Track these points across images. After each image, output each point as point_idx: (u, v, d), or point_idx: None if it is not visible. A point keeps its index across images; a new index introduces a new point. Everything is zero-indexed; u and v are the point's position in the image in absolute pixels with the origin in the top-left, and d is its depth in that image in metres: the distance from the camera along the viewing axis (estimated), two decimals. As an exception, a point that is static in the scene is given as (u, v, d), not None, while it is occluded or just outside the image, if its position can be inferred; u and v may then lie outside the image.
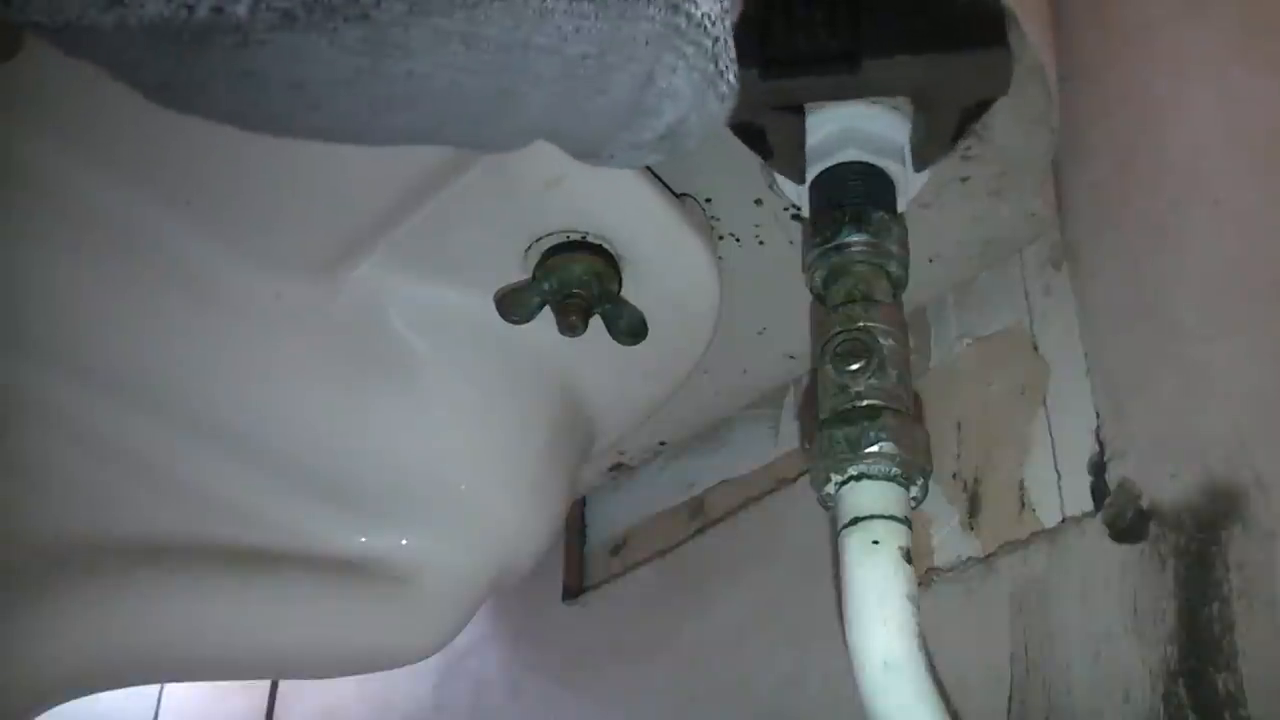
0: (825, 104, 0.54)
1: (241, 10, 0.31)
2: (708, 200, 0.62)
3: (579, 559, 0.87)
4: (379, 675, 0.82)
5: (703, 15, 0.35)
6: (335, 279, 0.59)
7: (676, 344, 0.62)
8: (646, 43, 0.34)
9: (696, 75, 0.36)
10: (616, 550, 0.85)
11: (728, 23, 0.36)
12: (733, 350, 0.70)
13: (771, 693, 0.68)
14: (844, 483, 0.49)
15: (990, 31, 0.49)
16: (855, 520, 0.48)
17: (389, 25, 0.32)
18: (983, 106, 0.53)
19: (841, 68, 0.49)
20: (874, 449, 0.48)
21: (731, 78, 0.37)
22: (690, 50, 0.35)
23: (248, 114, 0.36)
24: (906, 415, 0.50)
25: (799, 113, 0.54)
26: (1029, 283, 0.64)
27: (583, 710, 0.82)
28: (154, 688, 1.16)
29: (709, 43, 0.35)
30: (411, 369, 0.60)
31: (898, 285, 0.54)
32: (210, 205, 0.55)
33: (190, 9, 0.31)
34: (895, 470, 0.48)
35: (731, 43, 0.36)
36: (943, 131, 0.53)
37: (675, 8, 0.34)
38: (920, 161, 0.55)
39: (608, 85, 0.36)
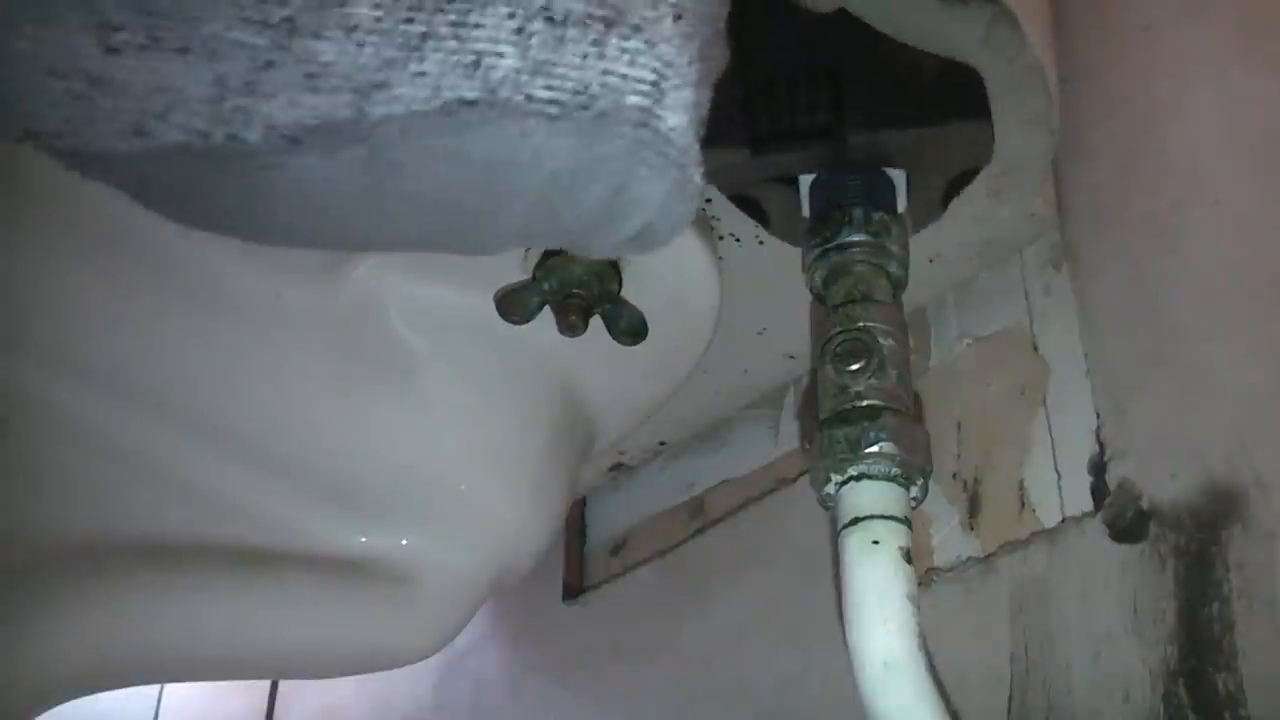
0: None
1: (253, 136, 0.34)
2: (708, 200, 0.62)
3: (579, 559, 0.87)
4: (379, 675, 0.82)
5: (669, 129, 0.38)
6: (335, 279, 0.59)
7: (677, 344, 0.62)
8: (618, 158, 0.38)
9: (664, 184, 0.39)
10: (616, 550, 0.85)
11: (695, 129, 0.38)
12: (733, 350, 0.70)
13: (771, 693, 0.68)
14: (844, 483, 0.49)
15: (970, 103, 0.51)
16: (855, 520, 0.48)
17: (385, 147, 0.36)
18: (968, 175, 0.55)
19: (828, 141, 0.51)
20: (874, 449, 0.48)
21: (698, 179, 0.39)
22: (658, 161, 0.38)
23: (259, 229, 0.40)
24: (907, 415, 0.50)
25: (792, 183, 0.55)
26: (1029, 283, 0.64)
27: (583, 710, 0.82)
28: (154, 688, 1.16)
29: (675, 152, 0.38)
30: (412, 369, 0.60)
31: (898, 285, 0.54)
32: (210, 205, 0.55)
33: (206, 137, 0.34)
34: (895, 470, 0.48)
35: (697, 147, 0.39)
36: (931, 197, 0.56)
37: (644, 124, 0.37)
38: (914, 225, 0.57)
39: (583, 197, 0.39)
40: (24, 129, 0.35)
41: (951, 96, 0.51)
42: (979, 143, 0.53)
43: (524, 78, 0.36)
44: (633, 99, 0.37)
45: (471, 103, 0.35)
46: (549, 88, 0.36)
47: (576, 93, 0.36)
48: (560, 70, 0.36)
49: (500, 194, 0.38)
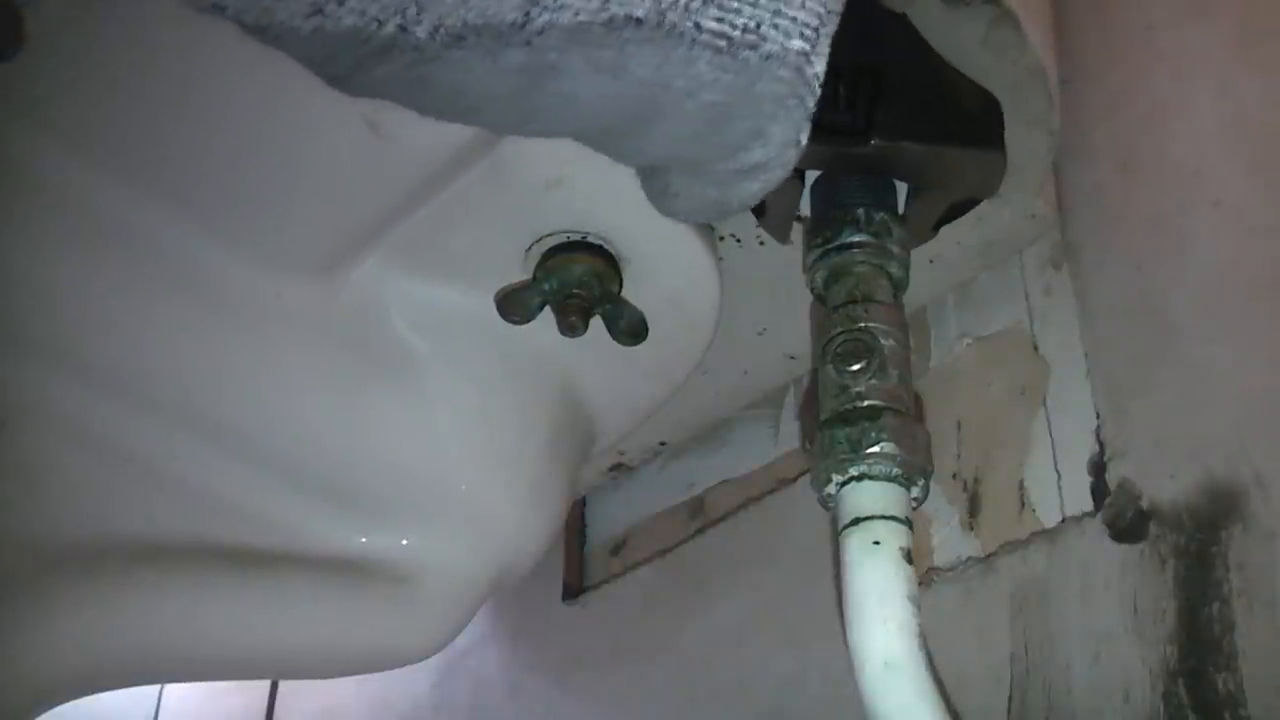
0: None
1: (422, 32, 0.36)
2: (708, 200, 0.62)
3: (579, 559, 0.87)
4: (378, 675, 0.82)
5: (813, 75, 0.38)
6: (336, 279, 0.59)
7: (677, 344, 0.62)
8: (772, 100, 0.38)
9: (794, 128, 0.40)
10: (616, 550, 0.85)
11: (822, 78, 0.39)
12: (733, 350, 0.70)
13: (771, 693, 0.68)
14: (845, 483, 0.49)
15: (993, 134, 0.51)
16: (856, 520, 0.48)
17: (547, 51, 0.36)
18: (969, 204, 0.55)
19: (851, 142, 0.51)
20: (875, 449, 0.48)
21: (807, 130, 0.40)
22: (799, 106, 0.39)
23: (409, 105, 0.41)
24: (907, 415, 0.50)
25: (799, 178, 0.55)
26: (1029, 283, 0.64)
27: (583, 710, 0.82)
28: (154, 688, 1.16)
29: (811, 100, 0.39)
30: (412, 369, 0.60)
31: (898, 286, 0.54)
32: (210, 205, 0.55)
33: (379, 24, 0.35)
34: (896, 471, 0.48)
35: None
36: (928, 219, 0.56)
37: (799, 70, 0.38)
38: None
39: (728, 130, 0.39)
40: (213, 2, 0.36)
41: (977, 124, 0.52)
42: (990, 175, 0.53)
43: (695, 5, 0.36)
44: (797, 43, 0.37)
45: (639, 21, 0.36)
46: (720, 20, 0.36)
47: (747, 30, 0.36)
48: (734, 5, 0.36)
49: (649, 114, 0.38)
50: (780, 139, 0.40)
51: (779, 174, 0.42)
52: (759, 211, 0.58)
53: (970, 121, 0.52)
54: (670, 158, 0.43)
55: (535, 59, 0.36)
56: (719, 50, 0.36)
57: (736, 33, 0.36)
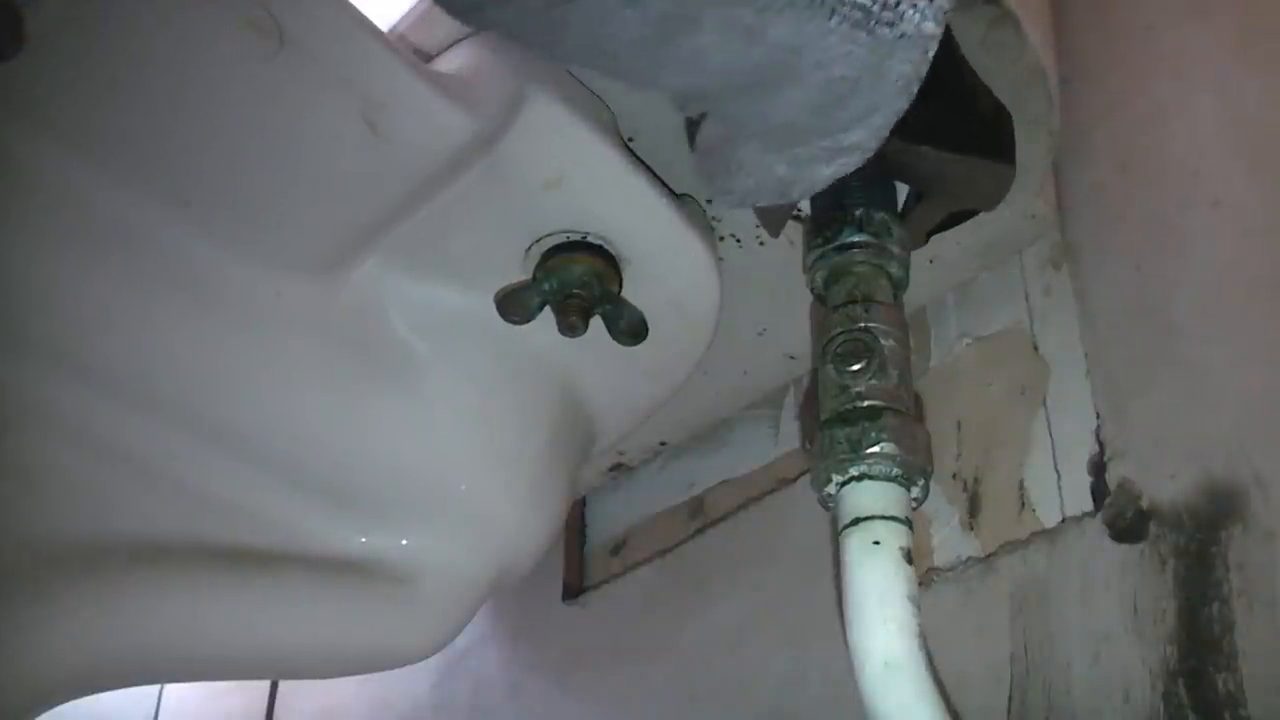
0: None
1: None
2: (708, 200, 0.62)
3: (579, 559, 0.87)
4: (378, 675, 0.82)
5: (929, 58, 0.38)
6: (336, 279, 0.59)
7: (677, 344, 0.62)
8: (897, 79, 0.38)
9: (897, 109, 0.40)
10: (616, 550, 0.85)
11: None
12: (733, 350, 0.70)
13: (771, 693, 0.68)
14: (845, 483, 0.49)
15: (1004, 144, 0.51)
16: (856, 520, 0.48)
17: (688, 5, 0.36)
18: (966, 213, 0.55)
19: None
20: (875, 449, 0.48)
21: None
22: (904, 94, 0.39)
23: (540, 46, 0.41)
24: (907, 415, 0.50)
25: None
26: (1029, 283, 0.64)
27: (583, 710, 0.82)
28: (154, 688, 1.16)
29: (919, 84, 0.39)
30: (412, 369, 0.60)
31: (898, 286, 0.54)
32: (210, 205, 0.55)
33: None
34: (896, 471, 0.48)
35: None
36: (924, 225, 0.56)
37: (926, 51, 0.38)
38: None
39: (850, 104, 0.39)
40: None
41: (990, 134, 0.51)
42: (998, 187, 0.53)
43: None
44: (930, 26, 0.37)
45: None
46: None
47: (886, 7, 0.36)
48: None
49: (777, 79, 0.38)
50: (880, 123, 0.40)
51: (857, 160, 0.42)
52: None
53: (985, 131, 0.52)
54: (782, 125, 0.42)
55: (676, 9, 0.36)
56: (856, 24, 0.36)
57: (875, 8, 0.36)
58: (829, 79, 0.38)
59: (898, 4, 0.36)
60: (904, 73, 0.38)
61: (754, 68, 0.38)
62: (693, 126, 0.49)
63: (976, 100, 0.51)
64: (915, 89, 0.39)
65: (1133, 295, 0.58)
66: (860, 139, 0.41)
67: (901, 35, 0.37)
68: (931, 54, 0.38)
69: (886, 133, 0.41)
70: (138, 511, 0.59)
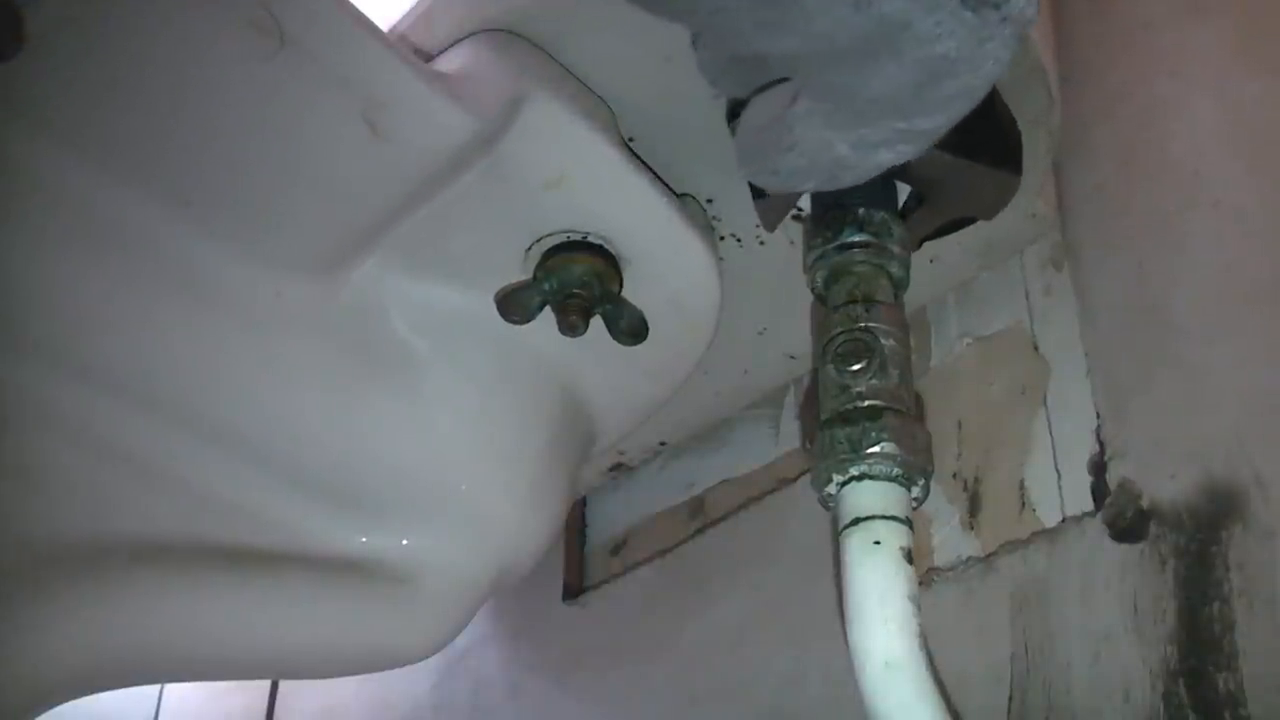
0: None
1: None
2: (709, 200, 0.62)
3: (579, 559, 0.87)
4: (378, 675, 0.82)
5: (1022, 40, 0.38)
6: (336, 278, 0.59)
7: (677, 344, 0.62)
8: (993, 60, 0.38)
9: (971, 101, 0.40)
10: (616, 550, 0.85)
11: None
12: (733, 350, 0.70)
13: (771, 693, 0.68)
14: (845, 483, 0.49)
15: (1012, 155, 0.51)
16: (856, 520, 0.48)
17: None
18: (963, 223, 0.55)
19: None
20: (875, 449, 0.48)
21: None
22: (986, 84, 0.39)
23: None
24: (908, 415, 0.50)
25: None
26: (1029, 283, 0.64)
27: (583, 710, 0.82)
28: (154, 688, 1.16)
29: (1001, 74, 0.39)
30: (412, 369, 0.60)
31: (899, 285, 0.54)
32: (210, 204, 0.55)
33: None
34: (897, 470, 0.48)
35: None
36: (922, 230, 0.56)
37: (1019, 41, 0.38)
38: None
39: (948, 84, 0.39)
40: None
41: (1000, 143, 0.51)
42: (1001, 197, 0.53)
43: None
44: (1031, 11, 0.37)
45: None
46: None
47: None
48: None
49: (878, 51, 0.38)
50: (956, 110, 0.40)
51: (915, 150, 0.42)
52: (760, 192, 0.57)
53: (996, 141, 0.51)
54: (869, 100, 0.41)
55: None
56: (963, 2, 0.36)
57: None
58: (930, 56, 0.38)
59: None
60: (999, 57, 0.38)
61: (857, 37, 0.38)
62: (737, 105, 0.48)
63: (991, 108, 0.51)
64: (999, 77, 0.39)
65: (1133, 295, 0.58)
66: (934, 125, 0.41)
67: (1004, 19, 0.37)
68: (1025, 34, 0.38)
69: (956, 122, 0.41)
70: (138, 511, 0.59)
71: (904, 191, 0.57)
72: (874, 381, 0.49)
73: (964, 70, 0.38)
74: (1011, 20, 0.37)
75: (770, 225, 0.59)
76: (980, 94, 0.39)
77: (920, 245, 0.58)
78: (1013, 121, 0.51)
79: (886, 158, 0.43)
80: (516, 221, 0.57)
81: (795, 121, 0.43)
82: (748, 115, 0.46)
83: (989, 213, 0.55)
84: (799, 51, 0.40)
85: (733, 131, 0.48)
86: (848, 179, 0.44)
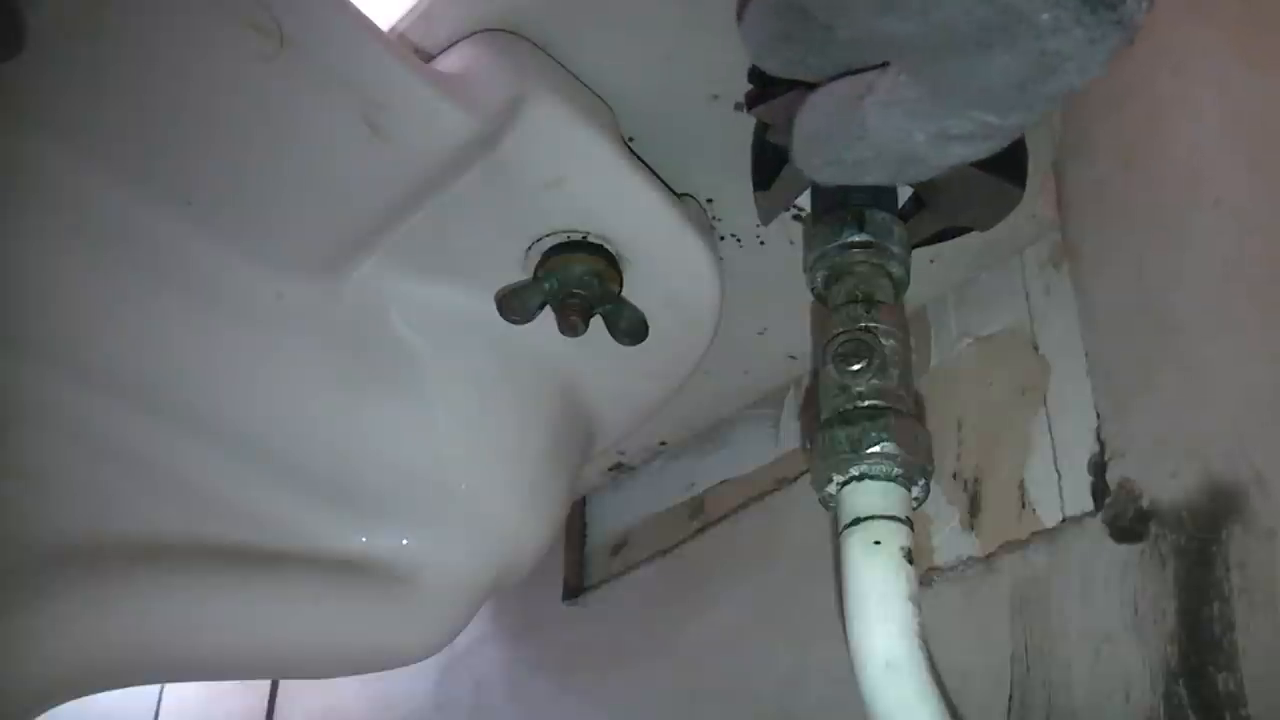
0: None
1: None
2: (709, 200, 0.62)
3: (579, 559, 0.87)
4: (379, 675, 0.82)
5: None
6: (336, 279, 0.59)
7: (677, 344, 0.62)
8: (1101, 63, 0.38)
9: (1056, 102, 0.39)
10: (617, 550, 0.85)
11: None
12: (733, 350, 0.70)
13: (772, 693, 0.68)
14: (845, 483, 0.49)
15: (1018, 169, 0.52)
16: (857, 520, 0.48)
17: None
18: (958, 232, 0.55)
19: None
20: (875, 449, 0.48)
21: None
22: (1087, 78, 0.38)
23: None
24: (908, 415, 0.50)
25: None
26: (1029, 283, 0.64)
27: (583, 710, 0.82)
28: (154, 688, 1.16)
29: (1098, 76, 0.39)
30: (412, 369, 0.60)
31: (899, 285, 0.54)
32: (211, 205, 0.55)
33: None
34: (897, 470, 0.48)
35: None
36: (918, 235, 0.56)
37: (1120, 48, 0.38)
38: None
39: (1053, 81, 0.39)
40: None
41: (1008, 154, 0.51)
42: (1003, 208, 0.53)
43: None
44: (1140, 18, 0.37)
45: None
46: None
47: None
48: None
49: (994, 41, 0.38)
50: (1047, 109, 0.40)
51: (989, 149, 0.42)
52: (762, 184, 0.56)
53: (1004, 152, 0.51)
54: (976, 90, 0.41)
55: None
56: (1082, 2, 0.36)
57: None
58: (1043, 51, 0.38)
59: None
60: (1102, 60, 0.38)
61: (976, 25, 0.38)
62: (762, 87, 0.48)
63: None
64: (1097, 77, 0.39)
65: (1134, 294, 0.58)
66: (1021, 122, 0.41)
67: (1119, 21, 0.37)
68: (1132, 38, 0.38)
69: (1035, 122, 0.41)
70: (138, 511, 0.59)
71: (904, 194, 0.57)
72: (874, 381, 0.49)
73: (1072, 69, 0.38)
74: (1124, 24, 0.37)
75: (767, 218, 0.58)
76: (1074, 93, 0.39)
77: (910, 251, 0.58)
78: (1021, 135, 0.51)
79: (959, 153, 0.42)
80: (517, 221, 0.57)
81: (872, 109, 0.43)
82: (813, 102, 0.45)
83: (987, 224, 0.55)
84: (914, 36, 0.40)
85: (755, 114, 0.48)
86: (911, 173, 0.44)
